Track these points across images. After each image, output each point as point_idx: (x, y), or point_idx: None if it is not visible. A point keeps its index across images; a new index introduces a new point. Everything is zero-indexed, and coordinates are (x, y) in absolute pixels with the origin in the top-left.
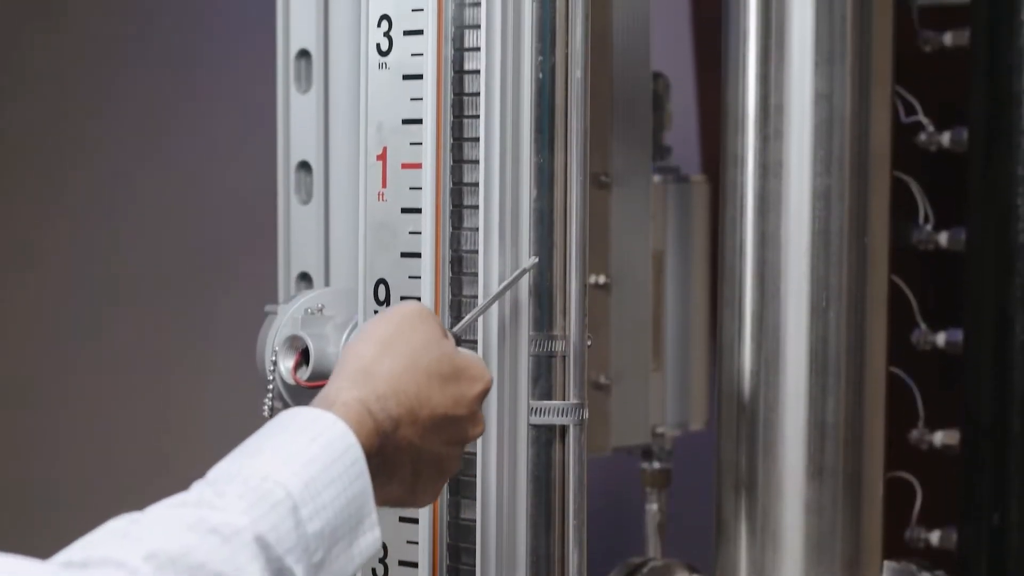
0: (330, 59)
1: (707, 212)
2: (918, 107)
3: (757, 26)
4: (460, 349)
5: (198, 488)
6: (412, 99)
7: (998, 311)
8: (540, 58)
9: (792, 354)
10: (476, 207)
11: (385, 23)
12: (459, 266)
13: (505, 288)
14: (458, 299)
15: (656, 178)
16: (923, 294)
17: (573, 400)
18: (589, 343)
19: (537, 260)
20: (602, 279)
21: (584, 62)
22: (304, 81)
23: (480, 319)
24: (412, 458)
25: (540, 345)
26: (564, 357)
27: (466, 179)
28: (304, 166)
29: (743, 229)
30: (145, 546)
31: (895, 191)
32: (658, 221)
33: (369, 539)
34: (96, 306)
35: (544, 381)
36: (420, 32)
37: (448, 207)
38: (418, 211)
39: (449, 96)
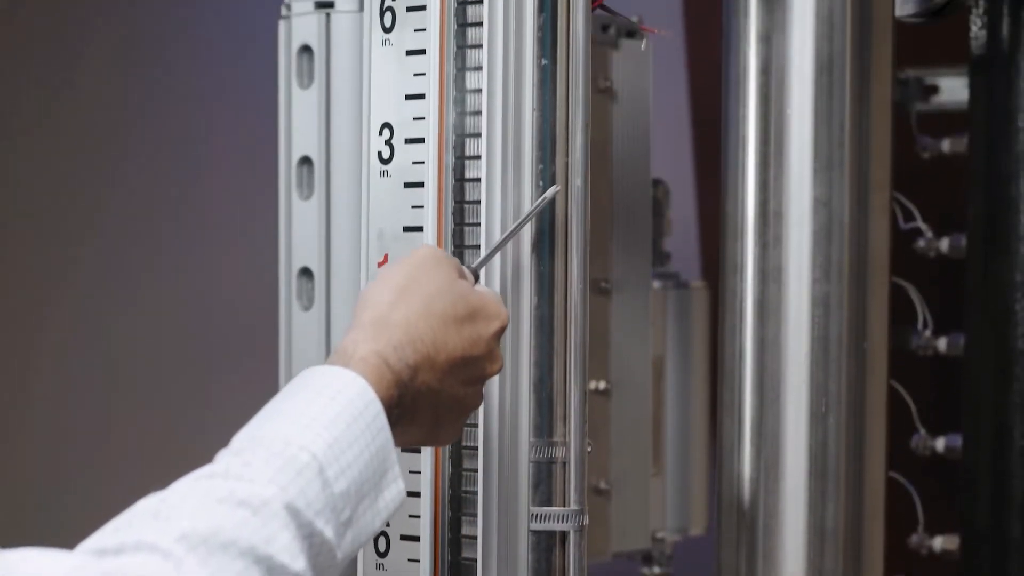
0: (332, 166)
1: (707, 318)
2: (917, 213)
3: (756, 133)
4: (477, 287)
5: (224, 458)
6: (413, 207)
7: (997, 417)
8: (540, 166)
9: (792, 459)
10: (475, 425)
11: (387, 131)
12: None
13: (527, 219)
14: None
15: (656, 284)
16: (922, 399)
17: (573, 506)
18: (589, 449)
19: (559, 188)
20: (602, 385)
21: (584, 170)
22: (306, 187)
23: (481, 426)
24: (432, 402)
25: (540, 452)
26: (564, 463)
27: None
28: (306, 272)
29: (743, 335)
30: (177, 526)
31: (894, 297)
32: (658, 327)
33: (393, 491)
34: (96, 400)
35: (544, 487)
36: (421, 140)
37: None
38: None
39: (450, 203)
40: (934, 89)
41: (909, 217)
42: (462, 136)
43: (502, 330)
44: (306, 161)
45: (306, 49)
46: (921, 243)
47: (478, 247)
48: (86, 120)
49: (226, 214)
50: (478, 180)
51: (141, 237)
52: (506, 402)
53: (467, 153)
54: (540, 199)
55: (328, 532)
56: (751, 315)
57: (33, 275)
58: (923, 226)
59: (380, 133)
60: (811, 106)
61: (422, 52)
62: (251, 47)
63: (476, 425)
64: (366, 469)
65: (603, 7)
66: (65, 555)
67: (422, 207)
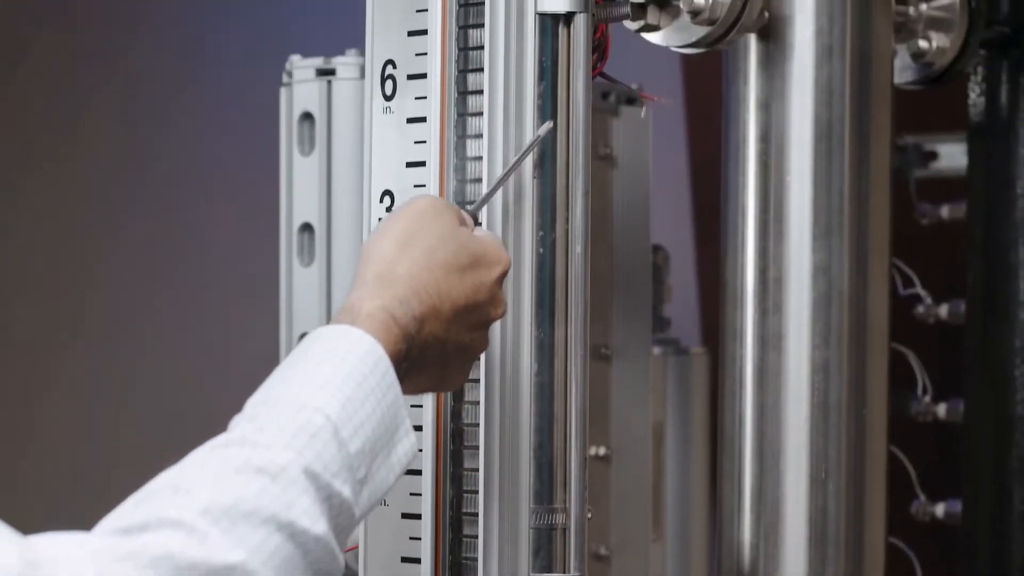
0: (332, 233)
1: (707, 384)
2: (916, 279)
3: (756, 200)
4: (477, 232)
5: (239, 426)
6: None
7: (996, 482)
8: (541, 233)
9: (791, 525)
10: (476, 380)
11: (388, 198)
12: (460, 439)
13: (523, 156)
14: (459, 472)
15: (656, 350)
16: (922, 465)
17: (574, 573)
18: (590, 515)
19: (551, 125)
20: (602, 451)
21: (585, 237)
22: (307, 254)
23: (481, 492)
24: (439, 351)
25: (541, 518)
26: (565, 530)
27: None
28: (306, 227)
29: (742, 401)
30: (198, 500)
31: (894, 363)
32: (658, 393)
33: (405, 446)
34: (99, 472)
35: (544, 554)
36: None
37: None
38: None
39: None
40: (933, 155)
41: (909, 283)
42: (463, 203)
43: (504, 274)
44: (307, 228)
45: (307, 116)
46: (921, 309)
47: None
48: (87, 185)
49: (226, 282)
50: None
51: (144, 297)
52: (506, 468)
53: None
54: (535, 137)
55: (346, 492)
56: (751, 381)
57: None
58: (922, 292)
59: (381, 200)
60: (810, 173)
61: (423, 120)
62: (251, 115)
63: (476, 492)
64: (379, 426)
65: (603, 75)
66: (88, 537)
67: None
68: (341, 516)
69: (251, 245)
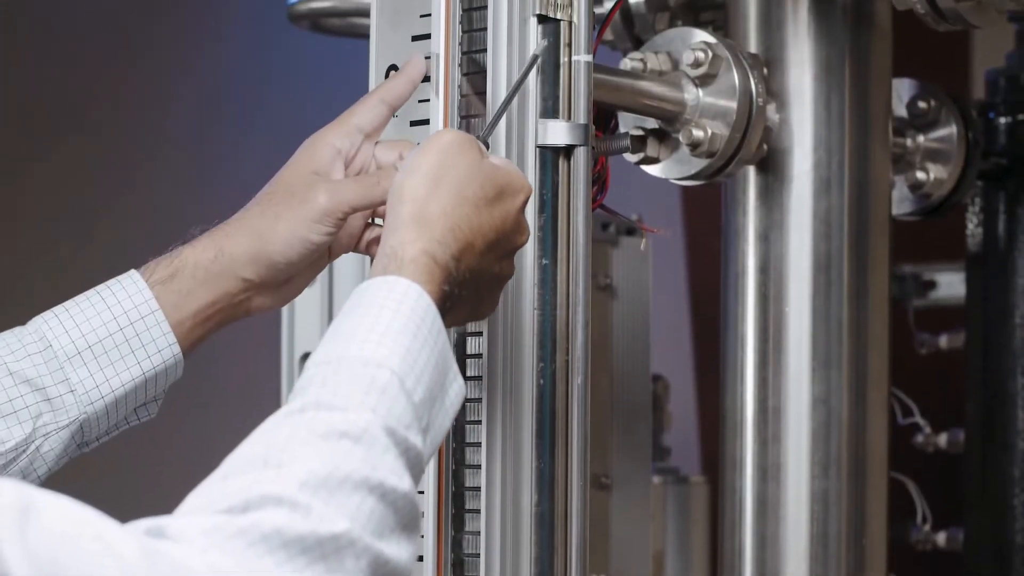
0: None
1: (706, 513)
2: (915, 409)
3: (755, 331)
4: (494, 160)
5: (309, 389)
6: None
7: None
8: (541, 364)
9: None
10: (478, 511)
11: None
12: (461, 570)
13: (524, 74)
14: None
15: (656, 479)
16: None
17: None
18: None
19: (547, 43)
20: None
21: (585, 369)
22: None
23: None
24: (474, 283)
25: None
26: None
27: (468, 483)
28: None
29: (742, 531)
30: (293, 473)
31: (893, 492)
32: (658, 522)
33: (456, 388)
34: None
35: None
36: None
37: (449, 496)
38: (420, 493)
39: None
40: (932, 285)
41: (908, 412)
42: (463, 335)
43: (527, 201)
44: (308, 357)
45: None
46: (920, 438)
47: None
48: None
49: (227, 408)
50: (479, 356)
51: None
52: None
53: (468, 351)
54: (529, 59)
55: (419, 443)
56: (750, 511)
57: None
58: (921, 421)
59: None
60: (809, 304)
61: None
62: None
63: None
64: (434, 373)
65: (603, 207)
66: (194, 518)
67: None
68: (416, 467)
69: (252, 374)
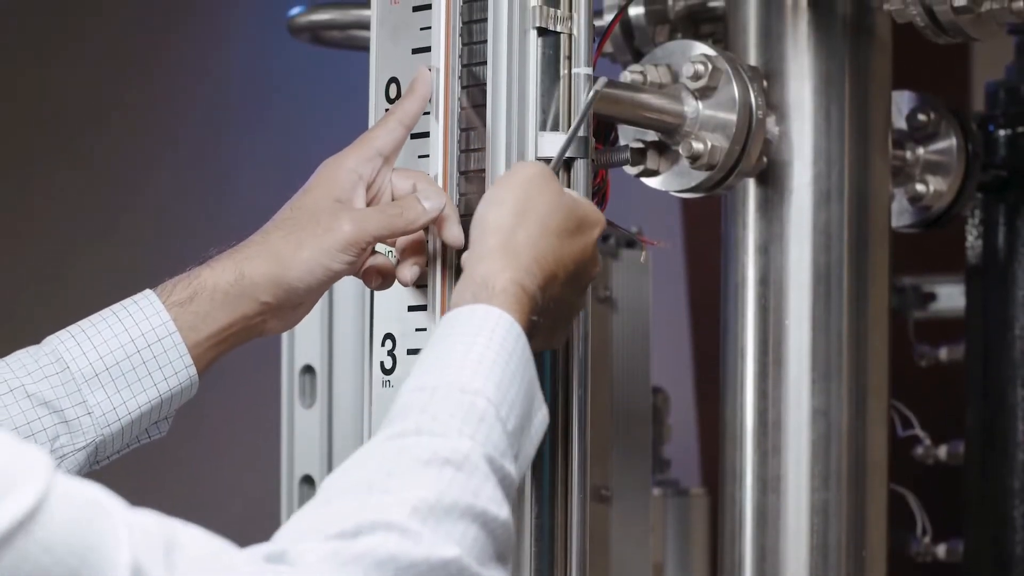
0: (334, 375)
1: (706, 525)
2: (915, 421)
3: (755, 343)
4: (572, 193)
5: (412, 415)
6: None
7: None
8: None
9: None
10: None
11: (389, 342)
12: None
13: (585, 112)
14: None
15: (656, 491)
16: None
17: None
18: None
19: (606, 80)
20: None
21: (585, 380)
22: (308, 396)
23: None
24: (553, 313)
25: None
26: None
27: None
28: (307, 480)
29: (742, 543)
30: (402, 499)
31: (893, 504)
32: (658, 534)
33: (541, 416)
34: None
35: None
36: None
37: None
38: None
39: None
40: (931, 297)
41: (908, 424)
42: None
43: (602, 233)
44: (308, 370)
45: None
46: (920, 450)
47: None
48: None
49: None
50: None
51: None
52: None
53: None
54: (591, 93)
55: (513, 471)
56: (750, 523)
57: None
58: (921, 433)
59: (383, 344)
60: (809, 316)
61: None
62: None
63: None
64: (524, 402)
65: None
66: (312, 542)
67: None
68: (511, 495)
69: (253, 386)
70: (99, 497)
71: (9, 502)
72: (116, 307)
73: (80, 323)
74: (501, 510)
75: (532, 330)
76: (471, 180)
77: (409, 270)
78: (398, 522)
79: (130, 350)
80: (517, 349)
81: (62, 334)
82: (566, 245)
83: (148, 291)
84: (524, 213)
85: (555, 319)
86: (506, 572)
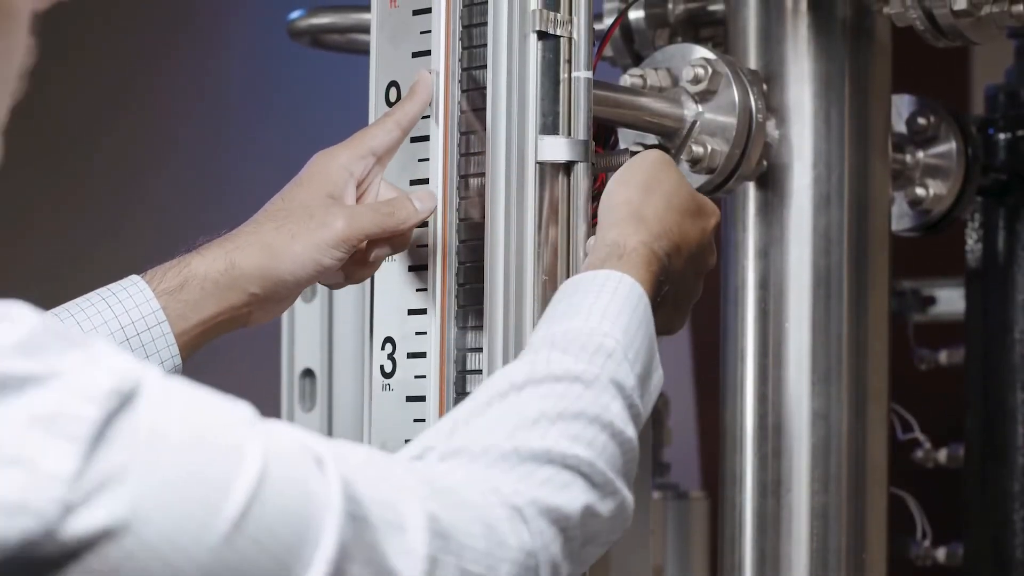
0: (334, 379)
1: (706, 529)
2: (915, 424)
3: (755, 346)
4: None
5: (542, 351)
6: (415, 420)
7: None
8: None
9: None
10: None
11: (389, 346)
12: None
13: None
14: None
15: (655, 494)
16: None
17: None
18: None
19: (701, 111)
20: None
21: None
22: (308, 400)
23: None
24: (675, 289)
25: None
26: None
27: None
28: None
29: (742, 547)
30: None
31: (892, 507)
32: (658, 537)
33: (658, 375)
34: None
35: None
36: (423, 355)
37: None
38: None
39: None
40: (931, 300)
41: (907, 428)
42: (463, 351)
43: (719, 225)
44: (308, 373)
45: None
46: (920, 453)
47: None
48: None
49: None
50: (479, 372)
51: None
52: None
53: (468, 367)
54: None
55: (641, 407)
56: (750, 527)
57: None
58: (921, 436)
59: (383, 348)
60: (809, 319)
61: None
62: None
63: None
64: (647, 355)
65: None
66: (487, 470)
67: (423, 420)
68: (638, 427)
69: (252, 390)
70: (306, 440)
71: (240, 480)
72: (103, 291)
73: (66, 305)
74: (627, 428)
75: (658, 293)
76: (471, 184)
77: (375, 253)
78: (557, 449)
79: (119, 337)
80: (640, 306)
81: (47, 316)
82: (688, 223)
83: (135, 276)
84: (650, 189)
85: (677, 297)
86: (630, 493)
